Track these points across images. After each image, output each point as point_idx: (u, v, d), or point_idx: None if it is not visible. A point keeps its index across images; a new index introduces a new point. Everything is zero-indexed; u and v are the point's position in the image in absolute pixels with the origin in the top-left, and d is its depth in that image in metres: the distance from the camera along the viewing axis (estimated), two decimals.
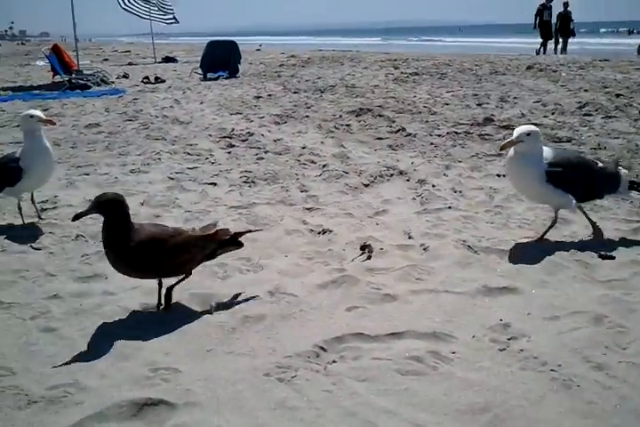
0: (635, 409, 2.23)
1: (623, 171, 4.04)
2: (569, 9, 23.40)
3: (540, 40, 24.22)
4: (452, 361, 2.60)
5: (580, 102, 9.52)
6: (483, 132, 7.51)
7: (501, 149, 3.88)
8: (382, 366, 2.56)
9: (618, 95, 10.28)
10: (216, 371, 2.53)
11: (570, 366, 2.50)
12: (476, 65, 16.82)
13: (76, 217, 2.91)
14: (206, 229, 3.25)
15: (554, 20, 23.53)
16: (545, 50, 24.09)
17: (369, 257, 3.79)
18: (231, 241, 3.24)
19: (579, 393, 2.32)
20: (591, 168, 3.91)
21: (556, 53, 23.42)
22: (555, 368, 2.48)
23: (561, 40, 24.15)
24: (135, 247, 2.87)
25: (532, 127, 3.82)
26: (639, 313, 2.96)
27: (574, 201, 3.85)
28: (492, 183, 5.33)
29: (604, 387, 2.36)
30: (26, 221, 4.45)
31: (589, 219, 4.12)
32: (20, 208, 4.46)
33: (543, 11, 23.39)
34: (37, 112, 4.34)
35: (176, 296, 3.19)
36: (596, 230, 4.09)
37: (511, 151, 3.84)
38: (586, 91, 11.00)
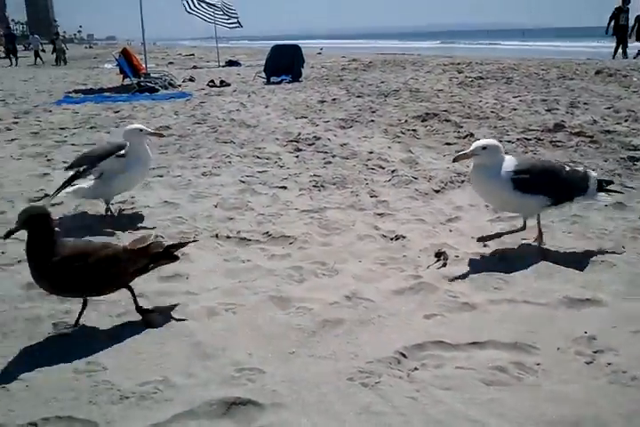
0: None
1: (592, 173, 3.97)
2: None
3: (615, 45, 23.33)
4: (537, 373, 2.56)
5: None
6: (554, 139, 7.35)
7: (454, 161, 3.91)
8: (466, 375, 2.54)
9: None
10: (299, 373, 2.56)
11: None
12: (543, 69, 16.47)
13: (7, 235, 2.78)
14: (138, 241, 3.11)
15: (631, 23, 22.59)
16: (624, 53, 23.17)
17: (444, 264, 3.77)
18: (165, 254, 3.10)
19: None
20: (558, 172, 3.86)
21: (625, 57, 22.57)
22: None
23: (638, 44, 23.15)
24: (58, 262, 2.75)
25: (491, 141, 3.80)
26: None
27: (547, 205, 3.82)
28: None
29: None
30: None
31: (539, 225, 4.03)
32: (109, 209, 4.71)
33: (619, 14, 22.52)
34: (144, 127, 4.72)
35: (254, 298, 3.26)
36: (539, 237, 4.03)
37: (472, 165, 3.82)
38: None
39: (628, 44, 23.12)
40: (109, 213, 4.71)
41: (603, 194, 3.99)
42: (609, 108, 9.65)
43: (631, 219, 4.49)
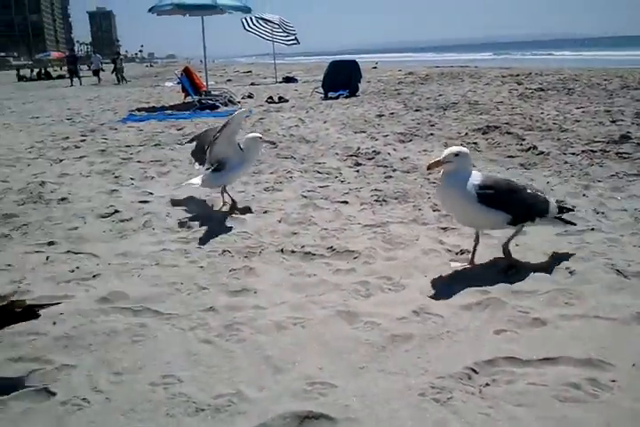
0: None
1: (552, 199, 4.02)
2: None
3: None
4: (613, 389, 2.50)
5: None
6: (620, 151, 7.17)
7: (428, 169, 3.85)
8: (539, 391, 2.51)
9: None
10: (370, 388, 2.58)
11: None
12: (605, 80, 16.11)
13: None
14: None
15: None
16: None
17: (513, 280, 3.72)
18: (25, 313, 2.82)
19: None
20: (521, 191, 3.86)
21: None
22: None
23: None
24: None
25: (462, 148, 3.77)
26: None
27: (507, 222, 3.80)
28: (638, 205, 5.08)
29: None
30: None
31: (475, 240, 4.01)
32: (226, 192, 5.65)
33: None
34: (261, 135, 5.80)
35: (321, 313, 3.30)
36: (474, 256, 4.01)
37: (441, 174, 3.77)
38: None
39: None
40: (230, 198, 5.62)
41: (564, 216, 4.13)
42: None
43: None
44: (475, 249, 4.02)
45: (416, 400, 2.48)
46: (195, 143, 6.27)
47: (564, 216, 4.15)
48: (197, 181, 5.46)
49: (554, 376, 2.62)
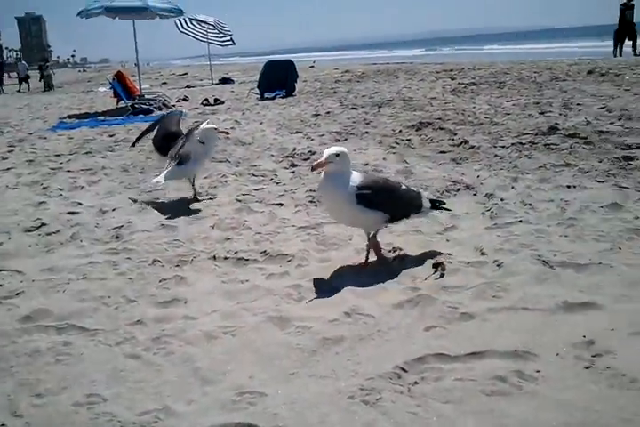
0: None
1: (424, 193, 4.23)
2: None
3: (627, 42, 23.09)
4: (537, 380, 2.55)
5: None
6: (548, 142, 7.36)
7: (312, 170, 3.91)
8: (466, 386, 2.54)
9: None
10: (300, 394, 2.56)
11: None
12: (535, 72, 16.52)
13: None
14: None
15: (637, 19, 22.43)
16: (621, 52, 23.03)
17: (442, 275, 3.77)
18: None
19: None
20: (397, 190, 4.01)
21: (636, 55, 22.39)
22: None
23: None
24: None
25: (342, 148, 3.83)
26: None
27: (385, 221, 3.92)
28: (564, 195, 5.22)
29: None
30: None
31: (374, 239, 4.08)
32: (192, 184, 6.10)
33: (625, 11, 22.36)
34: (216, 126, 6.18)
35: (253, 320, 3.26)
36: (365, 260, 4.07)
37: (322, 174, 3.84)
38: None
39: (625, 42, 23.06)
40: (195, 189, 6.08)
41: (437, 212, 4.32)
42: (602, 107, 9.67)
43: (627, 219, 4.49)
44: (368, 250, 4.06)
45: (345, 403, 2.47)
46: (155, 132, 6.69)
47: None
48: (161, 178, 5.80)
49: (481, 370, 2.65)
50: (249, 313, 3.38)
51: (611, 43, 27.31)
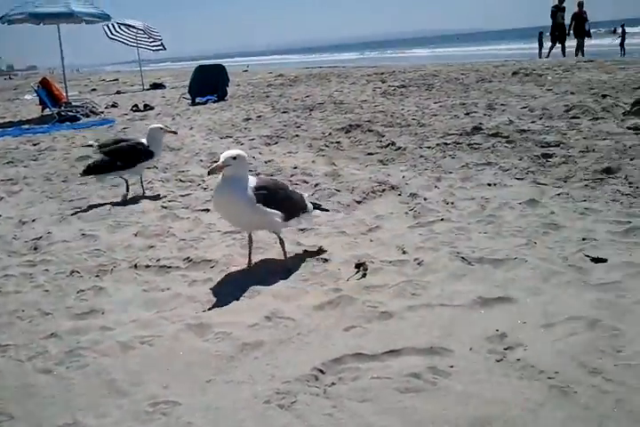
0: (631, 411, 2.24)
1: (305, 194, 4.44)
2: (584, 9, 22.85)
3: (557, 43, 23.77)
4: (451, 375, 2.60)
5: (567, 106, 9.57)
6: (472, 142, 7.55)
7: (209, 174, 3.88)
8: (381, 385, 2.56)
9: (604, 96, 10.33)
10: (216, 401, 2.53)
11: (566, 372, 2.52)
12: (463, 74, 16.91)
13: None
14: None
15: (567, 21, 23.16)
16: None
17: (364, 275, 3.80)
18: None
19: (576, 399, 2.34)
20: (287, 190, 4.18)
21: (564, 56, 23.16)
22: (552, 376, 2.50)
23: (576, 41, 23.69)
24: None
25: (239, 151, 3.85)
26: (633, 315, 2.97)
27: (280, 220, 3.98)
28: (484, 193, 5.35)
29: (600, 391, 2.37)
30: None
31: (249, 243, 4.15)
32: (141, 182, 6.41)
33: (557, 13, 23.07)
34: (162, 126, 6.37)
35: (172, 328, 3.21)
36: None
37: (220, 178, 3.84)
38: (572, 93, 11.08)
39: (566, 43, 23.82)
40: (127, 190, 6.24)
41: (318, 212, 4.50)
42: (524, 107, 10.00)
43: (543, 215, 4.64)
44: (250, 251, 4.09)
45: (261, 408, 2.45)
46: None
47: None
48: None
49: (397, 368, 2.68)
50: (168, 322, 3.32)
51: (536, 45, 28.36)
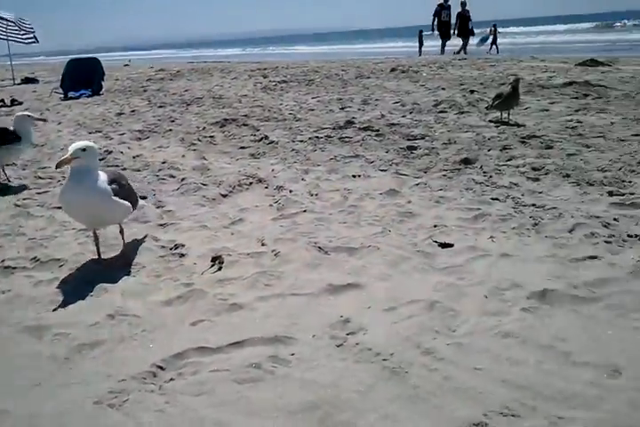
0: (456, 388, 2.32)
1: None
2: (467, 8, 23.77)
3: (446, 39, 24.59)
4: (291, 363, 2.60)
5: (436, 100, 9.95)
6: (343, 135, 7.66)
7: (57, 167, 3.71)
8: (220, 377, 2.52)
9: (472, 91, 10.83)
10: (42, 406, 2.38)
11: (401, 353, 2.58)
12: (343, 70, 17.17)
13: None
14: None
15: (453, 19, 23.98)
16: (443, 50, 24.57)
17: (220, 268, 3.74)
18: None
19: (406, 379, 2.40)
20: (128, 182, 4.22)
21: (458, 53, 24.00)
22: (387, 357, 2.55)
23: (461, 40, 24.60)
24: None
25: (88, 142, 3.72)
26: (469, 296, 3.11)
27: (130, 211, 4.03)
28: (348, 184, 5.43)
29: (429, 370, 2.45)
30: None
31: (95, 239, 4.03)
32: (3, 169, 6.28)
33: (441, 11, 23.84)
34: (29, 113, 6.33)
35: (6, 331, 3.01)
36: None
37: (69, 172, 3.72)
38: (443, 89, 11.52)
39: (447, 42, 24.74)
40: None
41: (142, 201, 4.72)
42: (397, 102, 10.27)
43: (401, 204, 4.77)
44: (98, 245, 3.98)
45: (90, 409, 2.34)
46: None
47: None
48: None
49: (239, 359, 2.65)
50: (3, 325, 3.11)
51: (416, 43, 29.41)
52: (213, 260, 3.85)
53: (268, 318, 3.03)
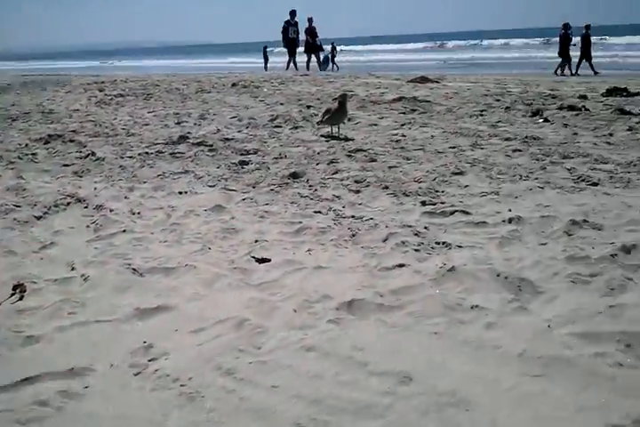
0: (249, 408, 2.28)
1: None
2: (314, 25, 24.32)
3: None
4: (84, 396, 2.43)
5: (272, 115, 10.05)
6: (175, 151, 7.49)
7: None
8: (2, 419, 2.29)
9: (308, 106, 11.09)
10: None
11: (200, 376, 2.51)
12: (184, 84, 16.94)
13: None
14: None
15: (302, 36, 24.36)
16: (295, 66, 24.86)
17: (21, 297, 3.46)
18: None
19: (202, 403, 2.33)
20: None
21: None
22: (185, 382, 2.46)
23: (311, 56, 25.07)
24: None
25: None
26: (280, 310, 3.10)
27: None
28: (173, 201, 5.29)
29: (227, 391, 2.39)
30: None
31: None
32: None
33: (288, 28, 24.08)
34: None
35: None
36: None
37: None
38: (281, 104, 11.70)
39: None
40: None
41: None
42: (234, 117, 10.25)
43: (225, 220, 4.72)
44: None
45: None
46: None
47: None
48: None
49: (26, 397, 2.44)
50: None
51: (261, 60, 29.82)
52: (14, 288, 3.56)
53: (68, 350, 2.83)
